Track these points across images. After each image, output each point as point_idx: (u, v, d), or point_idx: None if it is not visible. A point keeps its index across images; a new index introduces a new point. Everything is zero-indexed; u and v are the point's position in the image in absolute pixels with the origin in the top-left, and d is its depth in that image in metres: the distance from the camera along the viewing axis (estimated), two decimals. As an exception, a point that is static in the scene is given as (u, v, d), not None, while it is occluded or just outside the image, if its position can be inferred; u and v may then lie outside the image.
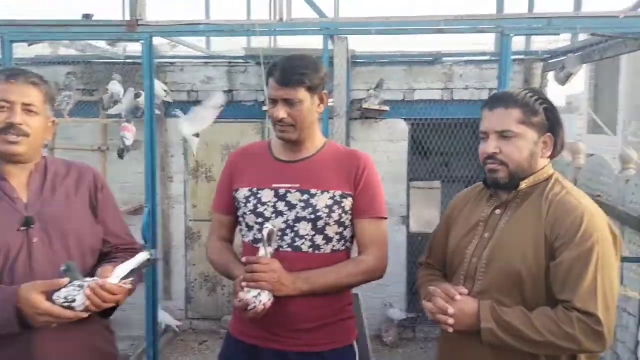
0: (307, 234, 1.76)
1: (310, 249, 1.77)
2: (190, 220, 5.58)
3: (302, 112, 1.74)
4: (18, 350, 1.52)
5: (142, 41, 3.07)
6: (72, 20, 3.33)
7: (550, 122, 1.62)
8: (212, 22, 3.27)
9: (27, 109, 1.58)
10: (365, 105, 4.92)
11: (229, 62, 5.31)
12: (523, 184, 1.62)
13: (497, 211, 1.66)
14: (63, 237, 1.61)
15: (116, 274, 1.54)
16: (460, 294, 1.54)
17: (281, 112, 1.73)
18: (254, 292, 1.63)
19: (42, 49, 4.90)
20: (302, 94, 1.73)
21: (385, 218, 1.85)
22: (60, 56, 5.09)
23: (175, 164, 5.52)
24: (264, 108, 1.86)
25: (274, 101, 1.76)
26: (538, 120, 1.60)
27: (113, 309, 1.63)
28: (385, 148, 5.43)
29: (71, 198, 1.69)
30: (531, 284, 1.53)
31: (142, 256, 1.60)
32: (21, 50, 4.25)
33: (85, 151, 5.13)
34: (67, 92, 4.45)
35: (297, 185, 1.79)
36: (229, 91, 5.40)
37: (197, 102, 5.34)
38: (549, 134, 1.62)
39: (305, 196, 1.77)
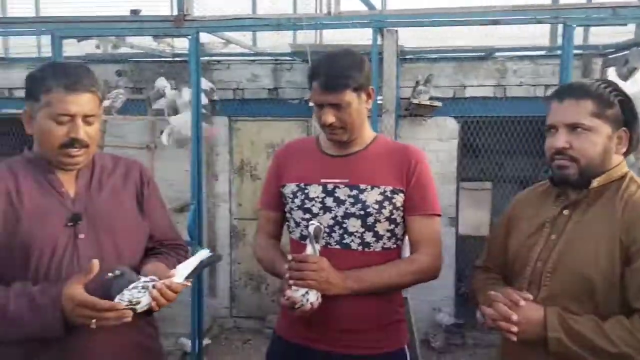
0: (356, 231, 1.70)
1: (360, 247, 1.70)
2: (235, 218, 5.57)
3: (351, 114, 1.68)
4: (64, 351, 1.47)
5: (189, 37, 3.04)
6: (120, 16, 3.35)
7: (626, 116, 1.49)
8: (259, 17, 3.23)
9: (87, 120, 1.53)
10: (415, 101, 4.73)
11: (275, 60, 5.27)
12: (595, 182, 1.49)
13: (566, 212, 1.54)
14: (111, 233, 1.57)
15: (180, 273, 1.48)
16: (525, 299, 1.42)
17: (329, 116, 1.67)
18: (302, 290, 1.58)
19: (91, 49, 4.97)
20: (349, 96, 1.66)
21: (439, 215, 1.77)
22: (110, 54, 5.16)
23: (221, 162, 5.52)
24: (311, 104, 1.79)
25: (320, 105, 1.68)
26: (613, 113, 1.47)
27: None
28: (434, 147, 5.28)
29: (119, 193, 1.65)
30: (604, 292, 1.41)
31: (203, 254, 1.53)
32: (71, 49, 4.31)
33: (133, 149, 5.19)
34: (119, 90, 4.51)
35: (346, 180, 1.72)
36: (275, 89, 5.37)
37: (243, 100, 5.35)
38: (624, 128, 1.49)
39: (355, 192, 1.70)
